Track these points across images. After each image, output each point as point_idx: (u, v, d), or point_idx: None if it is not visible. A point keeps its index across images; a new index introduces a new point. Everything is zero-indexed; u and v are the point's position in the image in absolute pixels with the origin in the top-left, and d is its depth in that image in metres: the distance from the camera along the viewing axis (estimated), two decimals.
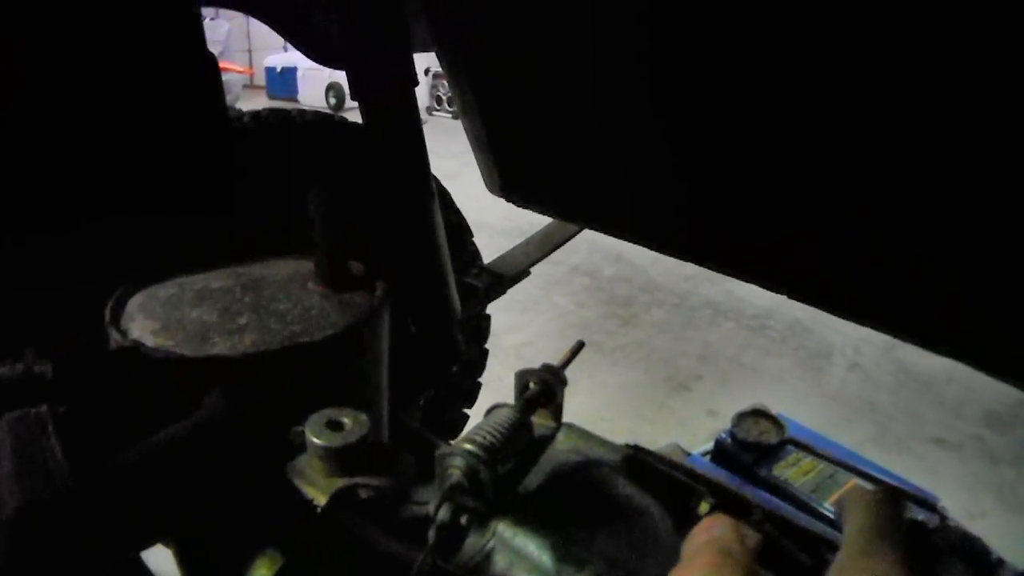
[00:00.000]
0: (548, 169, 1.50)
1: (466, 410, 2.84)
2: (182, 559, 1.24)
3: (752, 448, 2.01)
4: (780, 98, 1.00)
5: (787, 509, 1.79)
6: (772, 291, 1.21)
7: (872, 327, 1.12)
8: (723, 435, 2.08)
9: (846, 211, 1.02)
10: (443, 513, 0.87)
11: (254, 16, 2.19)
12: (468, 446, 0.90)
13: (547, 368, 1.08)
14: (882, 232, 1.00)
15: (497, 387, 3.12)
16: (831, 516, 1.80)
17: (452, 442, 0.94)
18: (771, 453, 2.03)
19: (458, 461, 0.89)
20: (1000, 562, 0.78)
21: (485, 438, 0.91)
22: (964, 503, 3.68)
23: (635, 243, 1.40)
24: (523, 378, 1.08)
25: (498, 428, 0.94)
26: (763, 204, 1.12)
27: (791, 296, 1.17)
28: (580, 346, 1.18)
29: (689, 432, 4.43)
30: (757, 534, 0.69)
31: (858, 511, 0.71)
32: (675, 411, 4.75)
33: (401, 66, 1.88)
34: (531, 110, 1.42)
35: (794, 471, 1.98)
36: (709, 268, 1.29)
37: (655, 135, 1.21)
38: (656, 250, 1.37)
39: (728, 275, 1.28)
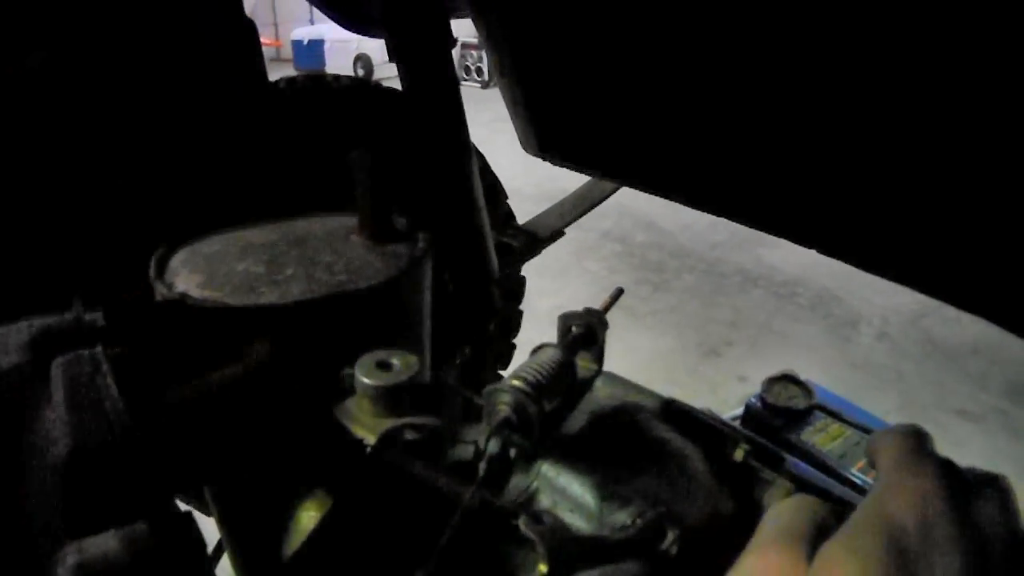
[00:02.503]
0: (583, 127, 1.51)
1: (501, 371, 2.86)
2: (220, 508, 1.26)
3: (781, 413, 2.01)
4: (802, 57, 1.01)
5: (815, 474, 1.80)
6: (805, 246, 1.21)
7: (897, 282, 1.13)
8: (752, 399, 2.08)
9: (877, 176, 1.03)
10: (493, 446, 0.89)
11: None
12: (516, 382, 0.92)
13: (589, 311, 1.10)
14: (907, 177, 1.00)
15: (529, 349, 3.14)
16: (858, 482, 1.81)
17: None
18: (799, 418, 2.03)
19: (507, 397, 0.91)
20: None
21: (533, 375, 0.93)
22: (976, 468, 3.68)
23: (668, 199, 1.41)
24: (566, 321, 1.10)
25: (545, 366, 0.96)
26: (791, 158, 1.13)
27: (826, 252, 1.18)
28: (619, 292, 1.21)
29: (719, 398, 4.45)
30: (831, 508, 0.71)
31: (895, 440, 0.73)
32: (706, 376, 4.77)
33: (438, 27, 1.90)
34: (566, 69, 1.43)
35: (822, 437, 1.98)
36: (746, 225, 1.30)
37: (686, 91, 1.22)
38: (690, 205, 1.38)
39: (762, 230, 1.29)
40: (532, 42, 1.45)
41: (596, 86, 1.38)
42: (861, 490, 1.75)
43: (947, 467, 0.68)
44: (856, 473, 1.84)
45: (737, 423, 2.14)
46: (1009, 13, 0.78)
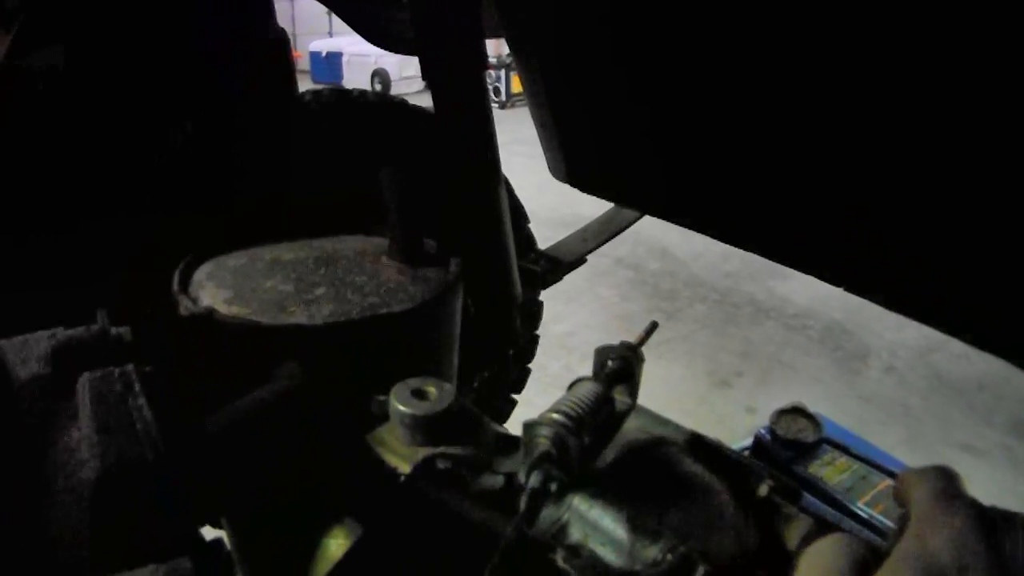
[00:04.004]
0: (614, 157, 1.51)
1: (514, 396, 2.85)
2: (238, 533, 1.25)
3: (790, 446, 2.01)
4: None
5: (823, 508, 1.80)
6: (826, 281, 1.21)
7: (909, 316, 1.12)
8: (762, 431, 2.07)
9: (883, 203, 1.03)
10: (534, 480, 0.89)
11: (322, 3, 2.20)
12: (556, 416, 0.92)
13: (625, 345, 1.10)
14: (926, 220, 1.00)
15: (541, 375, 3.13)
16: (864, 516, 1.81)
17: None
18: (808, 451, 2.03)
19: (546, 431, 0.91)
20: None
21: (572, 409, 0.93)
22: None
23: (689, 228, 1.41)
24: (602, 355, 1.10)
25: (583, 401, 0.96)
26: (823, 197, 1.13)
27: (849, 289, 1.18)
28: (654, 327, 1.20)
29: (728, 428, 4.44)
30: (868, 546, 0.72)
31: (927, 479, 0.73)
32: (715, 407, 4.77)
33: (472, 50, 1.89)
34: (597, 98, 1.42)
35: (829, 470, 1.98)
36: (780, 262, 1.29)
37: (720, 124, 1.22)
38: (712, 236, 1.38)
39: (783, 264, 1.28)
40: (567, 69, 1.45)
41: (629, 117, 1.38)
42: (867, 524, 1.75)
43: (976, 506, 0.69)
44: (862, 507, 1.84)
45: (746, 454, 2.14)
46: None
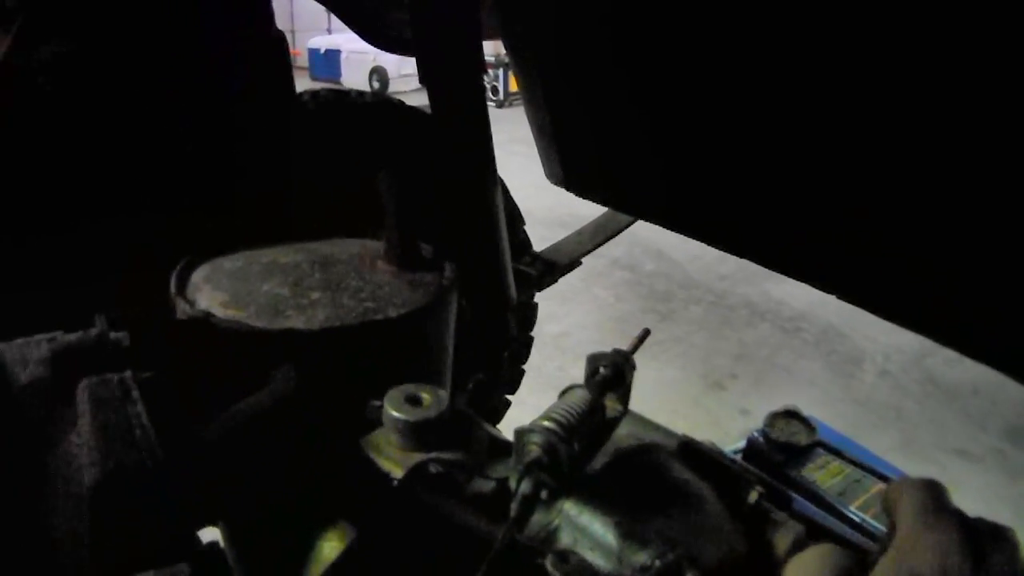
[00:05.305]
0: (610, 162, 1.51)
1: (508, 396, 2.85)
2: (235, 539, 1.26)
3: (783, 448, 2.01)
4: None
5: (816, 512, 1.80)
6: (818, 288, 1.21)
7: (901, 325, 1.13)
8: (755, 434, 2.08)
9: (870, 214, 1.03)
10: (525, 486, 0.90)
11: (320, 2, 2.20)
12: (547, 424, 0.93)
13: (617, 352, 1.11)
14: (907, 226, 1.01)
15: (536, 375, 3.13)
16: (857, 520, 1.82)
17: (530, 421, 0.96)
18: (801, 454, 2.04)
19: (537, 438, 0.92)
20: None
21: (563, 417, 0.94)
22: (982, 516, 3.65)
23: (685, 235, 1.41)
24: (594, 362, 1.11)
25: (574, 408, 0.97)
26: (803, 202, 1.13)
27: (838, 294, 1.18)
28: (646, 334, 1.21)
29: (722, 430, 4.45)
30: (852, 558, 0.72)
31: (913, 492, 0.74)
32: (709, 409, 4.77)
33: (470, 51, 1.90)
34: (595, 103, 1.43)
35: (822, 473, 1.99)
36: (776, 271, 1.29)
37: (706, 131, 1.22)
38: (706, 243, 1.38)
39: (777, 271, 1.28)
40: (566, 72, 1.45)
41: (627, 122, 1.38)
42: (859, 528, 1.76)
43: (962, 520, 0.70)
44: (855, 511, 1.84)
45: (739, 456, 2.14)
46: None
